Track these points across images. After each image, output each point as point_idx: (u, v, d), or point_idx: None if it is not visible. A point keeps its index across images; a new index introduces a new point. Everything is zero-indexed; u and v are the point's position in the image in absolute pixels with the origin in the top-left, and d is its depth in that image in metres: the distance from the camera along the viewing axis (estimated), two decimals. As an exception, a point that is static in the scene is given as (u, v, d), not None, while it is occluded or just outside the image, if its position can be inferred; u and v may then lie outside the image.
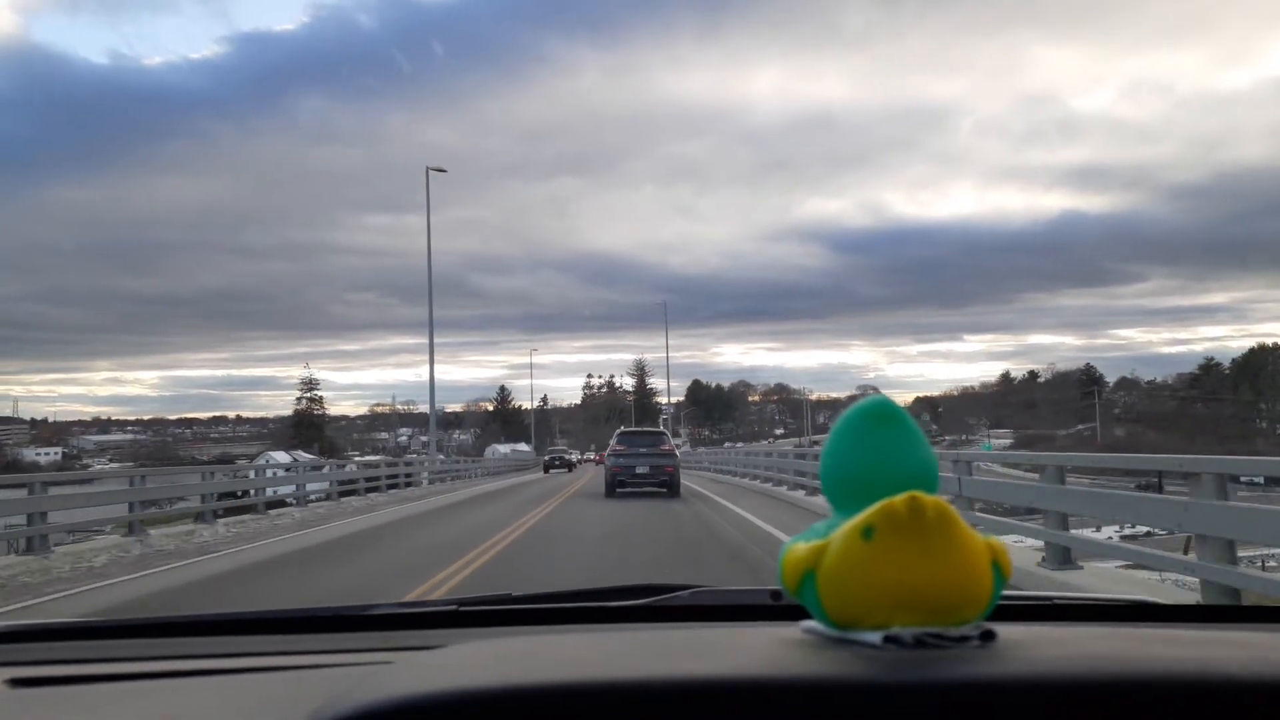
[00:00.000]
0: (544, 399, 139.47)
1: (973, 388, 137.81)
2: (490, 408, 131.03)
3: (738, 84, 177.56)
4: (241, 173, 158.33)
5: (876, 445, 0.80)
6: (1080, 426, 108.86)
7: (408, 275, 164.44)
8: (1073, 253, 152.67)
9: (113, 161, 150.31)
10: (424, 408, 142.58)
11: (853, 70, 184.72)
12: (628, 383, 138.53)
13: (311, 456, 65.90)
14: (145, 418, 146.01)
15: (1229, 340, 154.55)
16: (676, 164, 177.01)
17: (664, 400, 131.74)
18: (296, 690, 0.95)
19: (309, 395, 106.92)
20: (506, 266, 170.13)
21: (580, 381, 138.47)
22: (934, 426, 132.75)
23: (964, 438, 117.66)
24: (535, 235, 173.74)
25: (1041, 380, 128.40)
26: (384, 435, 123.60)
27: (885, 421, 0.81)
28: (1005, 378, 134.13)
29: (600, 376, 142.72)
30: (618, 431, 24.22)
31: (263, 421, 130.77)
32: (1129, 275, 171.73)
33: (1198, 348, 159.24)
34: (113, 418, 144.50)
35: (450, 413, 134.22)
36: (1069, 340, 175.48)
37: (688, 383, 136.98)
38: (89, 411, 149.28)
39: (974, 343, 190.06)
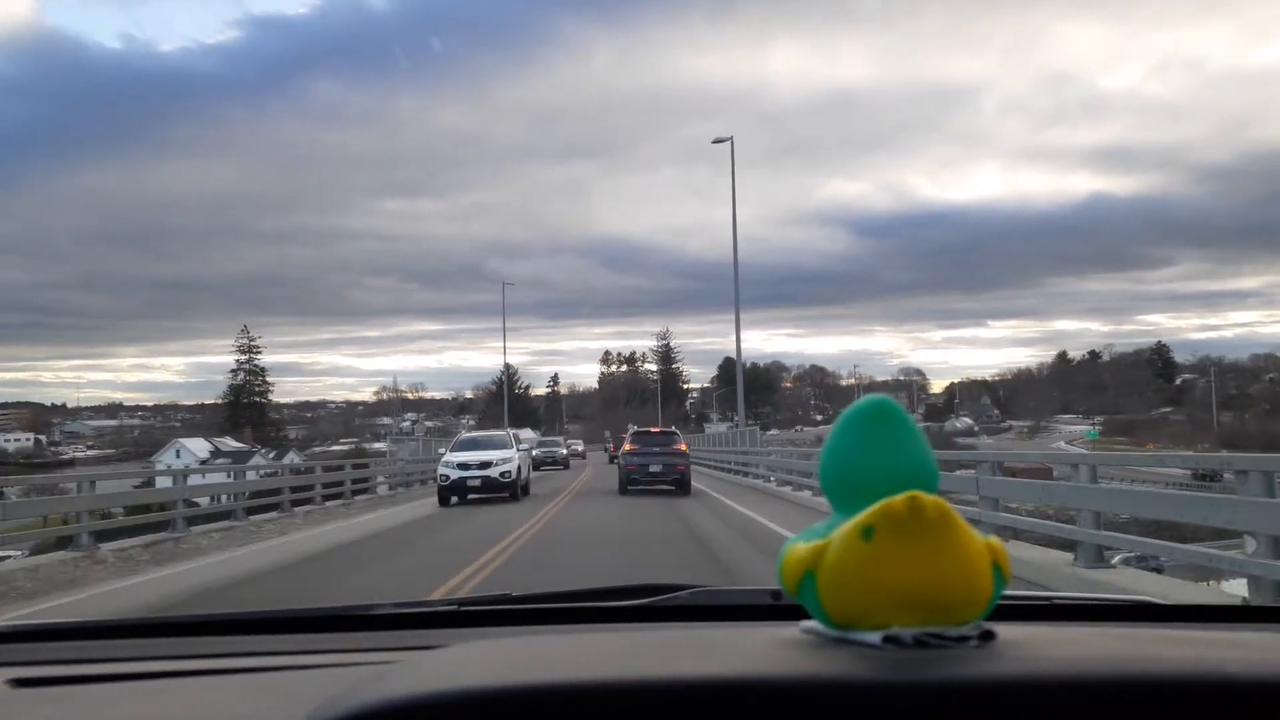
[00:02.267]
0: (554, 379, 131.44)
1: (1029, 369, 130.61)
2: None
3: (752, 65, 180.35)
4: (257, 157, 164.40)
5: (876, 445, 0.82)
6: (1165, 409, 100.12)
7: (425, 260, 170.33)
8: (1100, 236, 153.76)
9: (129, 147, 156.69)
10: (434, 394, 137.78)
11: (870, 49, 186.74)
12: (646, 368, 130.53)
13: (239, 446, 52.23)
14: (163, 403, 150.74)
15: (1259, 326, 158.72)
16: (692, 147, 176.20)
17: (691, 384, 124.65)
18: (298, 689, 1.00)
19: (247, 368, 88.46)
20: (524, 251, 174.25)
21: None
22: (995, 411, 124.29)
23: (1040, 424, 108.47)
24: (552, 220, 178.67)
25: (1104, 361, 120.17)
26: (385, 420, 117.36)
27: (885, 421, 0.83)
28: (1062, 358, 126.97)
29: (620, 355, 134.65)
30: (632, 431, 26.64)
31: (277, 407, 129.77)
32: (1158, 259, 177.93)
33: (1228, 333, 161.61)
34: (123, 403, 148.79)
35: (466, 399, 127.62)
36: (1094, 326, 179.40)
37: (713, 370, 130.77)
38: (118, 398, 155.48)
39: (998, 329, 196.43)
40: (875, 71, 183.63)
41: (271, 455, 34.65)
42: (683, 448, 24.04)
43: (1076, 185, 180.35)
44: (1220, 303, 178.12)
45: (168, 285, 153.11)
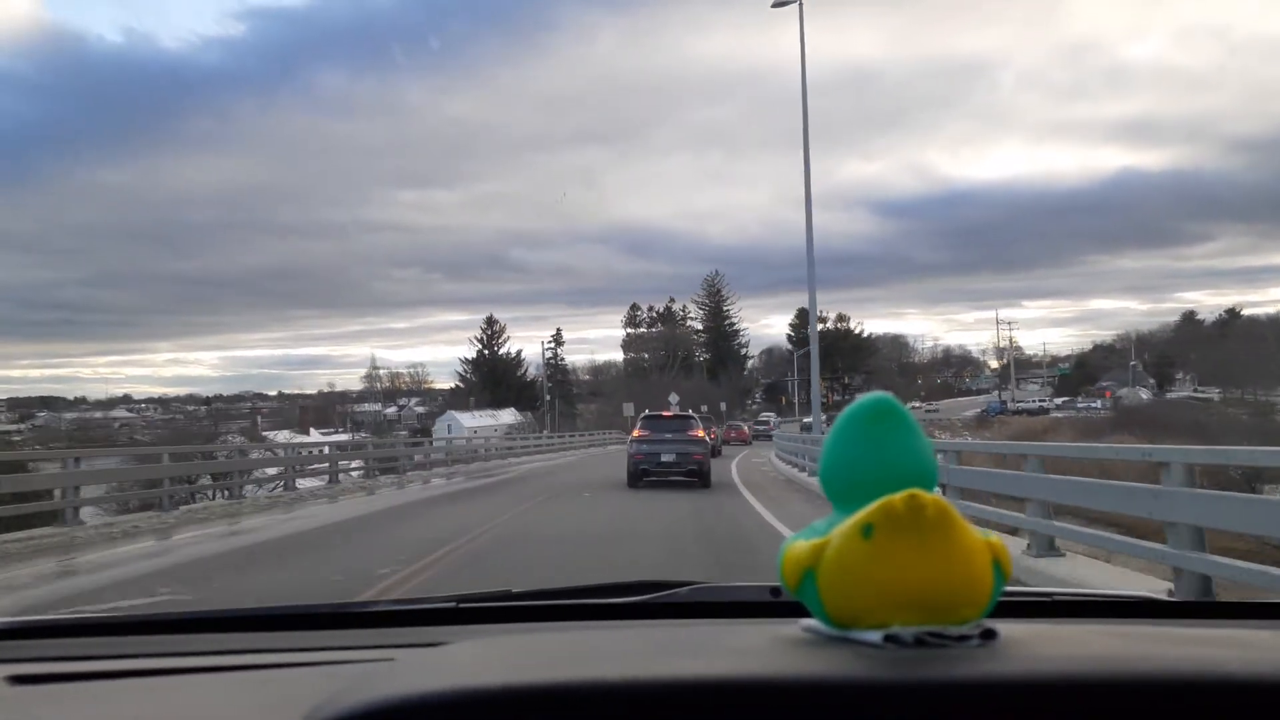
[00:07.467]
0: (556, 335, 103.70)
1: (1149, 333, 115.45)
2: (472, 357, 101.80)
3: (762, 43, 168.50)
4: (270, 150, 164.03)
5: (877, 443, 0.88)
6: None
7: (447, 251, 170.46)
8: (1133, 212, 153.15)
9: (144, 143, 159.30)
10: (441, 383, 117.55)
11: (883, 23, 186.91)
12: (689, 324, 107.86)
13: None
14: (174, 394, 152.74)
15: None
16: (706, 129, 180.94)
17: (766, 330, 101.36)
18: (296, 687, 1.06)
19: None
20: (544, 240, 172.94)
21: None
22: (1150, 380, 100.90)
23: (1260, 397, 78.42)
24: (570, 208, 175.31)
25: (1241, 321, 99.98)
26: (369, 407, 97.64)
27: (885, 419, 0.89)
28: (1189, 319, 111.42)
29: (653, 310, 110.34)
30: (642, 415, 26.52)
31: (291, 398, 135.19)
32: (1197, 235, 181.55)
33: (1271, 310, 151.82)
34: (132, 396, 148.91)
35: (460, 387, 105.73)
36: (1133, 305, 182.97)
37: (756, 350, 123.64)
38: (155, 392, 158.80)
39: (1033, 309, 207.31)
40: (888, 47, 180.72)
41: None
42: (699, 434, 23.41)
43: (1105, 160, 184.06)
44: (1261, 278, 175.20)
45: (192, 280, 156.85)
